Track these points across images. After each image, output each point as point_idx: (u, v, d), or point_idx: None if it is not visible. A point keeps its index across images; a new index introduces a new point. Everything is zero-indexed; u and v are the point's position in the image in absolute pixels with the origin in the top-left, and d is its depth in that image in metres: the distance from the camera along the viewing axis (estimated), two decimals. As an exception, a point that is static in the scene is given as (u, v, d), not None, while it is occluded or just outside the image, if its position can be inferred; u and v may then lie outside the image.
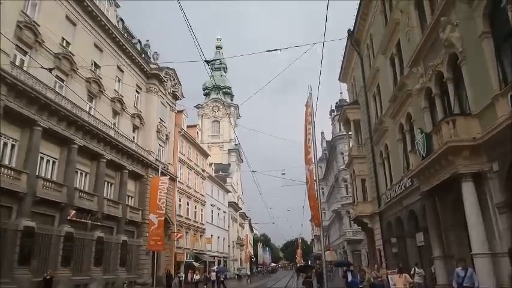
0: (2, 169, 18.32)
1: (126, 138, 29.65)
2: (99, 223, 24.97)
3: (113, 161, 27.80)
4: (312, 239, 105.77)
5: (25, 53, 20.89)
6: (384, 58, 21.57)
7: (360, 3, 24.72)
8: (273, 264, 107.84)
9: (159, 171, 20.08)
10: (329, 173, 58.19)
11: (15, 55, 20.19)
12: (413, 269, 14.73)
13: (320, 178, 64.89)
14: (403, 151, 19.63)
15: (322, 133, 68.75)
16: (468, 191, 11.42)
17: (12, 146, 19.91)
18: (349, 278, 11.80)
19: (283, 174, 43.32)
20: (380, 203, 24.74)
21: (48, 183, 21.44)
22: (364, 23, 25.59)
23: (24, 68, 20.24)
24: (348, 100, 37.27)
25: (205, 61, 10.07)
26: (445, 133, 11.80)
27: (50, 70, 13.49)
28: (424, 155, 13.28)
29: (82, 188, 24.80)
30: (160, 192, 18.05)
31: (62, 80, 23.93)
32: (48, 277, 16.10)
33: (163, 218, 17.94)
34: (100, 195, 25.74)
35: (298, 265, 72.87)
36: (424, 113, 15.99)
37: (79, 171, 25.12)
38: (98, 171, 26.29)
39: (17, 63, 20.02)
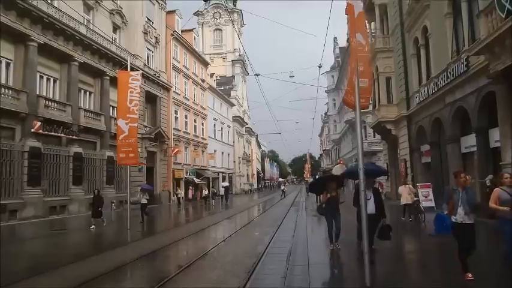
0: None
1: (103, 37, 24.66)
2: (75, 137, 21.31)
3: (89, 64, 23.25)
4: (321, 154, 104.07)
5: None
6: None
7: None
8: (280, 179, 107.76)
9: (128, 65, 15.67)
10: (341, 82, 53.16)
11: None
12: (487, 178, 10.67)
13: (331, 89, 59.69)
14: (453, 29, 14.68)
15: (335, 38, 62.09)
16: None
17: None
18: (371, 206, 6.29)
19: (291, 77, 38.32)
20: (409, 104, 20.43)
21: (-1, 88, 17.27)
22: None
23: None
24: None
25: None
26: None
27: None
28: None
29: (49, 96, 20.68)
30: (131, 91, 13.78)
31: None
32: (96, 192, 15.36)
33: (136, 124, 13.96)
34: (74, 105, 21.68)
35: (312, 178, 59.54)
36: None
37: (44, 76, 20.77)
38: (69, 76, 21.87)
39: None
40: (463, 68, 13.22)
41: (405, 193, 13.65)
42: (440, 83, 15.45)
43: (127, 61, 26.23)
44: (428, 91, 17.03)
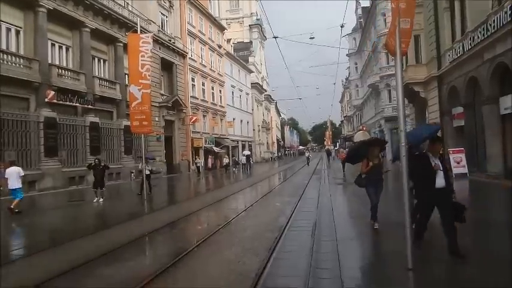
0: None
1: (114, 2, 23.72)
2: (90, 106, 20.89)
3: (101, 31, 22.51)
4: (341, 121, 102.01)
5: None
6: None
7: None
8: (300, 147, 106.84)
9: (138, 27, 14.70)
10: (364, 44, 50.77)
11: None
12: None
13: (352, 52, 57.00)
14: (496, -26, 13.09)
15: (357, -2, 58.80)
16: None
17: None
18: (440, 179, 4.95)
19: (311, 38, 36.73)
20: (440, 63, 18.93)
21: (9, 57, 16.78)
22: None
23: None
24: None
25: None
26: None
27: None
28: None
29: (62, 64, 20.16)
30: (142, 55, 12.99)
31: None
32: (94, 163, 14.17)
33: (149, 91, 13.20)
34: (88, 73, 21.13)
35: (333, 146, 61.51)
36: None
37: (56, 44, 20.19)
38: (81, 43, 21.21)
39: None
40: (507, 18, 11.77)
41: None
42: (478, 37, 13.99)
43: (139, 26, 25.60)
44: (463, 47, 15.56)
